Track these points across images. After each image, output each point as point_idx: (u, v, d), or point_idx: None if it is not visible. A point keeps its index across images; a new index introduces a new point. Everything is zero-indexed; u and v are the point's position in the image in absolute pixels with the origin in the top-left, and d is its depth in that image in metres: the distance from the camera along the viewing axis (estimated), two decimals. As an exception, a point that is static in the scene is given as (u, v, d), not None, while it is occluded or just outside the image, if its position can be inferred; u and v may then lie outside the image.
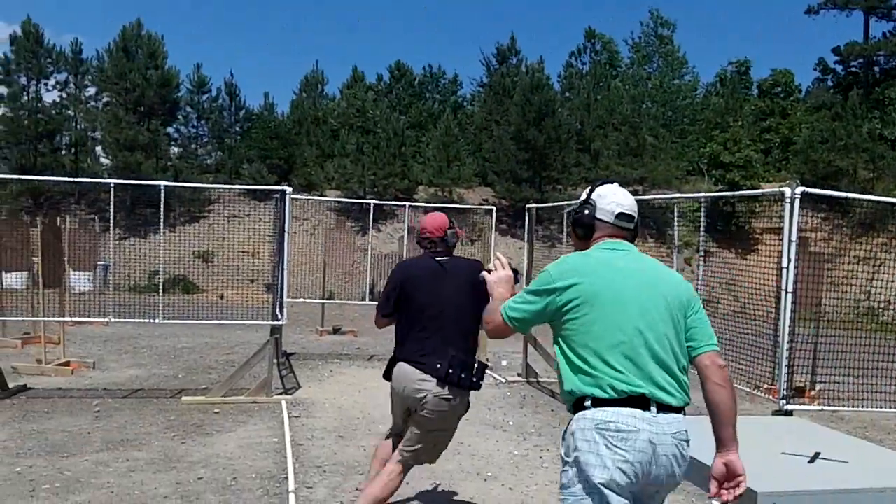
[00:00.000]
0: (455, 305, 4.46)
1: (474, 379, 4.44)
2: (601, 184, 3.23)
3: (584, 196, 3.22)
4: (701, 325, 2.98)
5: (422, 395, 4.35)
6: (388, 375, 4.58)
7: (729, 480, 2.85)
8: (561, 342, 2.97)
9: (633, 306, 2.88)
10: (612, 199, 3.14)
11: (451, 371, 4.34)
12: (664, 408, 2.77)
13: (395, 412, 4.67)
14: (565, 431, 2.90)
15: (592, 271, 2.97)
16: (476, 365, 4.46)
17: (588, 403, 2.80)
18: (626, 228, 3.13)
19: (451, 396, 4.37)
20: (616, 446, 2.73)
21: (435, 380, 4.34)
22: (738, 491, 2.83)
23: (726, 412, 2.84)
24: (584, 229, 3.14)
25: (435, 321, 4.45)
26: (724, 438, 2.85)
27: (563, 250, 10.61)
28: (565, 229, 9.69)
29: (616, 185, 3.25)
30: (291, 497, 5.47)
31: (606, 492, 2.72)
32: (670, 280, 3.05)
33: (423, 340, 4.41)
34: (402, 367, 4.43)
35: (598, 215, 3.12)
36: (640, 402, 2.76)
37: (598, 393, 2.79)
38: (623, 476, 2.72)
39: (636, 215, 3.17)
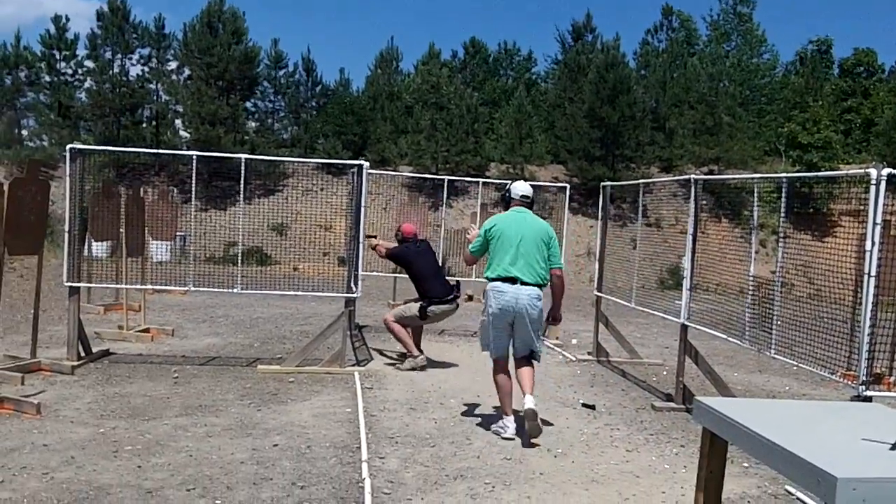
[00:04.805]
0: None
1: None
2: (514, 182, 6.90)
3: (507, 188, 6.86)
4: (553, 252, 6.52)
5: None
6: None
7: (554, 322, 6.86)
8: (489, 254, 6.52)
9: (518, 238, 6.40)
10: (519, 188, 6.78)
11: None
12: (525, 284, 6.33)
13: None
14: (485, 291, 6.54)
15: (503, 220, 6.56)
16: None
17: (491, 280, 6.44)
18: (524, 202, 6.71)
19: None
20: (497, 297, 6.36)
21: None
22: (555, 324, 7.14)
23: (557, 294, 6.68)
24: (506, 202, 6.79)
25: None
26: (554, 305, 6.73)
27: (634, 230, 10.48)
28: (640, 208, 9.58)
29: (521, 181, 6.91)
30: (364, 466, 5.52)
31: (491, 318, 6.42)
32: (541, 227, 6.56)
33: None
34: None
35: (513, 195, 6.75)
36: (513, 280, 6.34)
37: (493, 275, 6.42)
38: (500, 310, 6.35)
39: (531, 195, 6.76)
